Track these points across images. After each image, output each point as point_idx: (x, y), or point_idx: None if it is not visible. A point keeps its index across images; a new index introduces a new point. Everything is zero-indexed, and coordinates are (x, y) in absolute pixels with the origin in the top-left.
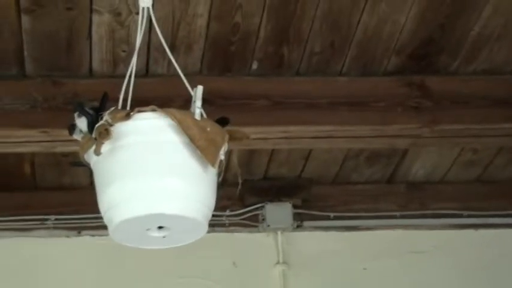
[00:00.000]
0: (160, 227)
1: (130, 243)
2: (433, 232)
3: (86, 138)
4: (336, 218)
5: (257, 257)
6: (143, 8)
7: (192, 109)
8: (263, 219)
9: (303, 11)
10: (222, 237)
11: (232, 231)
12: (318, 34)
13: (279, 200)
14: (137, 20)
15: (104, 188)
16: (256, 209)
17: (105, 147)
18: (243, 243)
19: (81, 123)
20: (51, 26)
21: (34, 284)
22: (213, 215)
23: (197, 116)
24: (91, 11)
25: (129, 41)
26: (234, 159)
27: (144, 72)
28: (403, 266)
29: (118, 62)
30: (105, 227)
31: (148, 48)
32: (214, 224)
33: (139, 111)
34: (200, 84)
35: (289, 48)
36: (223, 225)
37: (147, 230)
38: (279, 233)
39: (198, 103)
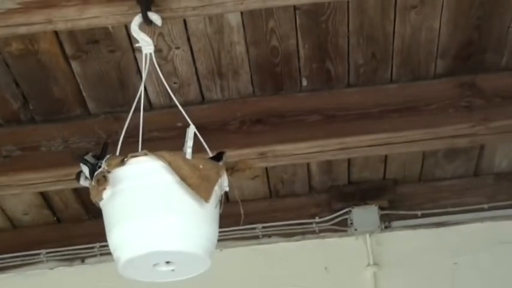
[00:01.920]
0: (167, 262)
1: (140, 278)
2: None
3: (91, 185)
4: (423, 215)
5: (348, 261)
6: (146, 54)
7: (184, 149)
8: (351, 223)
9: (335, 28)
10: (312, 243)
11: (322, 237)
12: (357, 48)
13: (365, 203)
14: (179, 54)
15: (110, 230)
16: (344, 213)
17: (107, 192)
18: (333, 248)
19: (86, 170)
20: (100, 67)
21: None
22: (303, 223)
23: (188, 156)
24: (133, 50)
25: (177, 74)
26: (313, 168)
27: (200, 100)
28: (494, 258)
29: (173, 93)
30: None
31: (198, 77)
32: (304, 232)
33: (132, 156)
34: (254, 104)
35: (333, 63)
36: (313, 232)
37: (155, 265)
38: (367, 235)
39: (189, 143)
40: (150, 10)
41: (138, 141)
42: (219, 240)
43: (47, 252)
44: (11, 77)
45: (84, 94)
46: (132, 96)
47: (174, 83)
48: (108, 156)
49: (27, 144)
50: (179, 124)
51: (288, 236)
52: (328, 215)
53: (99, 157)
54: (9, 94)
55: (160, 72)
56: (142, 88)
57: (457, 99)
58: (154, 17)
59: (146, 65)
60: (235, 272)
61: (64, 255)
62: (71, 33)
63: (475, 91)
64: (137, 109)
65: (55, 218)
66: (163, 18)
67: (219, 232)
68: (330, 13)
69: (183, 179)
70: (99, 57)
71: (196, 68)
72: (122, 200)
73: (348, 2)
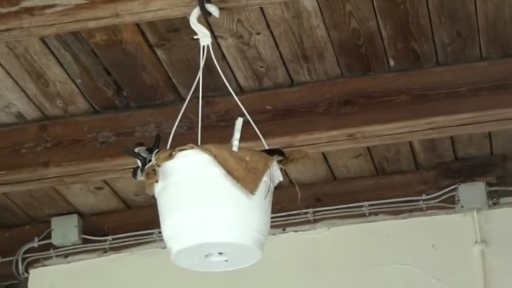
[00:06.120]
0: (220, 253)
1: (194, 268)
2: None
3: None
4: None
5: (455, 238)
6: (203, 46)
7: (231, 141)
8: (458, 200)
9: (414, 8)
10: (420, 221)
11: (429, 215)
12: (440, 27)
13: (472, 180)
14: (261, 40)
15: (162, 221)
16: (451, 190)
17: (158, 185)
18: (440, 225)
19: (139, 164)
20: (186, 55)
21: (246, 281)
22: (410, 200)
23: (235, 148)
24: (215, 37)
25: (262, 58)
26: (416, 146)
27: (289, 83)
28: None
29: (261, 77)
30: (308, 222)
31: (283, 61)
32: (411, 209)
33: (180, 150)
34: (342, 86)
35: (418, 43)
36: (420, 209)
37: (207, 255)
38: (474, 212)
39: (236, 135)
40: (209, 2)
41: (228, 125)
42: (325, 219)
43: (159, 232)
44: (101, 66)
45: (174, 80)
46: (222, 81)
47: (261, 67)
48: (156, 150)
49: (123, 130)
50: (268, 107)
51: (395, 213)
52: (435, 192)
53: (152, 150)
54: (101, 83)
55: (216, 62)
56: (200, 75)
57: None
58: (212, 8)
59: (204, 56)
60: (342, 250)
61: None
62: (151, 23)
63: None
64: (228, 93)
65: None
66: (227, 9)
67: (326, 210)
68: None
69: (229, 171)
70: (182, 44)
71: (280, 52)
72: (171, 193)
73: None
